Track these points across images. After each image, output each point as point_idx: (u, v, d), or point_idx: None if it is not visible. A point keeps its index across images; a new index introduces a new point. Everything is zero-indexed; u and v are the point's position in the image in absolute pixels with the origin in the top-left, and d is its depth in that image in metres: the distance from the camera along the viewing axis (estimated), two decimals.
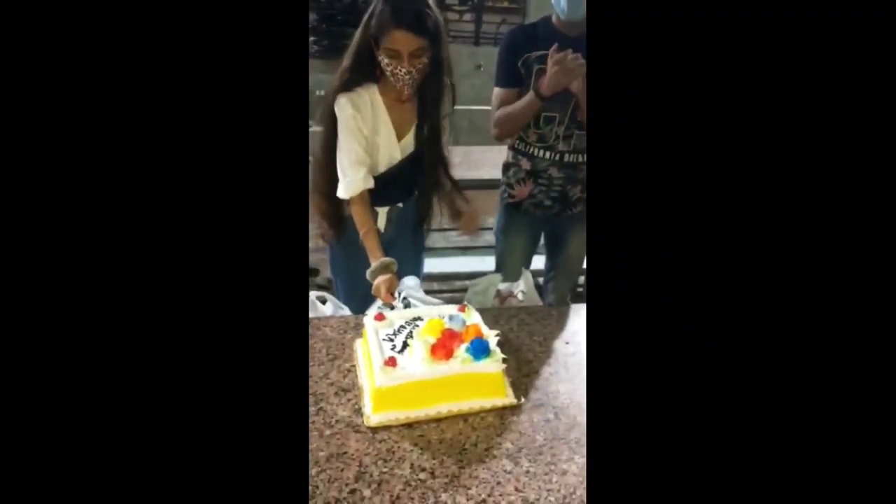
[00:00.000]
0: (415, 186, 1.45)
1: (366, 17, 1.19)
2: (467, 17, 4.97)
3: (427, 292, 1.27)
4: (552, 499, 0.75)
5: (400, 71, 1.18)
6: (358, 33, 1.21)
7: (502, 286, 1.43)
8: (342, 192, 1.29)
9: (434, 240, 1.45)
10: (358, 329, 1.14)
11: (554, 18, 1.45)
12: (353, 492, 0.75)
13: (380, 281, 1.22)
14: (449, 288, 2.50)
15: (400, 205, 1.43)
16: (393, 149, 1.33)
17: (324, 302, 1.31)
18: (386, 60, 1.18)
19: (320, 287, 1.73)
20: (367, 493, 0.75)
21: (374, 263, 1.25)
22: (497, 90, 1.50)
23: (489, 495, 0.75)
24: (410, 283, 1.27)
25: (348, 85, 1.25)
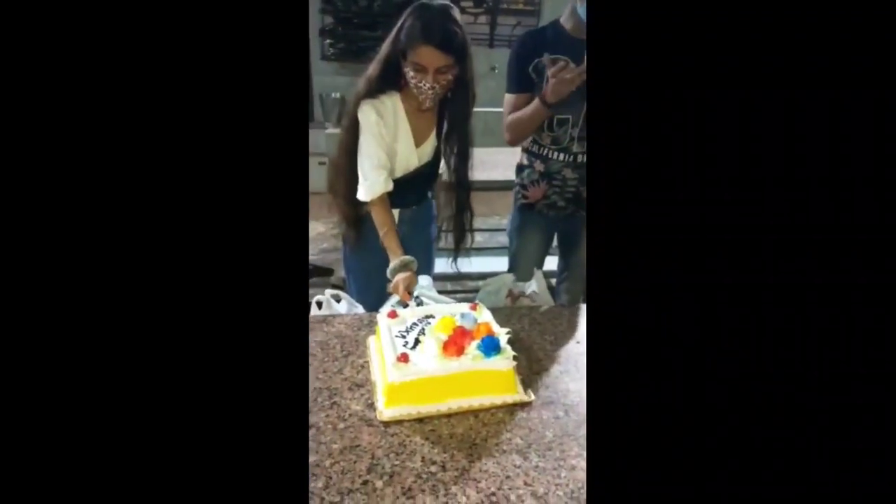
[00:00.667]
0: (429, 190, 1.47)
1: (395, 28, 1.22)
2: (482, 19, 4.98)
3: (440, 292, 1.29)
4: (560, 493, 0.76)
5: (424, 85, 1.21)
6: (387, 44, 1.24)
7: (514, 286, 1.44)
8: (363, 195, 1.32)
9: (447, 240, 1.48)
10: (371, 326, 1.16)
11: (563, 20, 1.46)
12: (365, 483, 0.77)
13: (399, 278, 1.24)
14: (462, 288, 2.52)
15: (414, 207, 1.45)
16: (411, 155, 1.36)
17: (338, 300, 1.34)
18: (412, 73, 1.21)
19: (335, 286, 1.75)
20: (378, 484, 0.76)
21: (394, 261, 1.27)
22: (508, 95, 1.52)
23: (499, 489, 0.77)
24: (423, 282, 1.29)
25: (373, 92, 1.28)
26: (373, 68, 1.27)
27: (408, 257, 1.28)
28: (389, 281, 1.28)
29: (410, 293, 1.23)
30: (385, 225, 1.31)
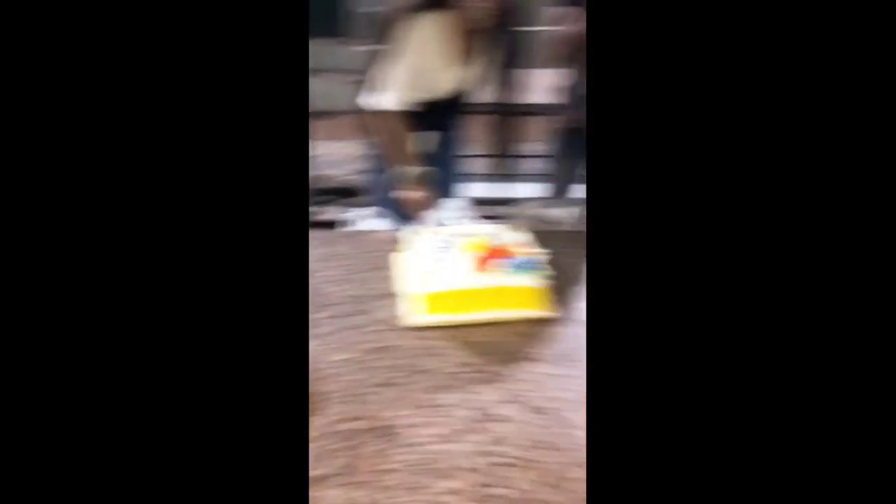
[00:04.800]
0: (461, 115, 1.44)
1: None
2: None
3: (479, 217, 1.28)
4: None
5: (477, 2, 1.16)
6: None
7: (553, 210, 1.41)
8: (383, 103, 1.26)
9: (478, 165, 1.45)
10: (402, 242, 1.14)
11: None
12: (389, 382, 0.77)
13: (413, 195, 1.24)
14: (494, 213, 2.47)
15: (445, 132, 1.42)
16: (449, 77, 1.31)
17: (364, 218, 1.33)
18: None
19: (362, 205, 1.74)
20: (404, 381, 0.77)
21: (406, 171, 1.26)
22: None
23: (530, 391, 0.76)
24: (453, 205, 1.27)
25: (420, 8, 1.21)
26: None
27: (422, 168, 1.27)
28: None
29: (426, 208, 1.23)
30: (397, 140, 1.28)
